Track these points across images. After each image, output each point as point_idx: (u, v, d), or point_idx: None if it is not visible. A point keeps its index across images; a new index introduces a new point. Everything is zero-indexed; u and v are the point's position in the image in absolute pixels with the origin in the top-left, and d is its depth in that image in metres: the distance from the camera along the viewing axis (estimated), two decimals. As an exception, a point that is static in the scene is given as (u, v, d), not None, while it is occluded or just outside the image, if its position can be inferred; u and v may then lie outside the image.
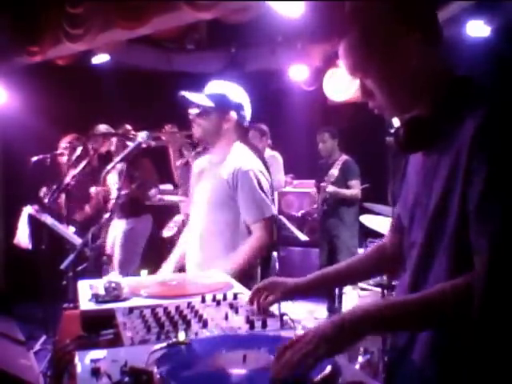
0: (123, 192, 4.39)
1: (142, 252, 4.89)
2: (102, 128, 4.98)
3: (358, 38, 1.22)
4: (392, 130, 1.28)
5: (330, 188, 5.23)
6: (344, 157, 5.40)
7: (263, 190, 2.42)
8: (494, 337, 1.08)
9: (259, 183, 2.41)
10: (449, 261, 1.14)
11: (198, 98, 2.43)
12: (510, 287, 1.03)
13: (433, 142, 1.20)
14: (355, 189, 5.28)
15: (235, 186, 2.39)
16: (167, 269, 2.58)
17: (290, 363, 1.02)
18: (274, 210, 2.50)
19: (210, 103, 2.42)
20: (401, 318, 1.13)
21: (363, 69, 1.25)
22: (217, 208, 2.45)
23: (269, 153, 5.72)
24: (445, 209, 1.15)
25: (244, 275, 2.25)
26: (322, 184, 5.30)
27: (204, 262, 2.43)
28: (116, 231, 4.83)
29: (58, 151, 4.82)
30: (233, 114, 2.46)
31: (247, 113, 2.54)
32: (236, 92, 2.51)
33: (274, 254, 4.64)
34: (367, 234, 4.75)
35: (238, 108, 2.49)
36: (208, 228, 2.48)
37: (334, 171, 5.32)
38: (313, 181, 5.96)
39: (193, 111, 2.46)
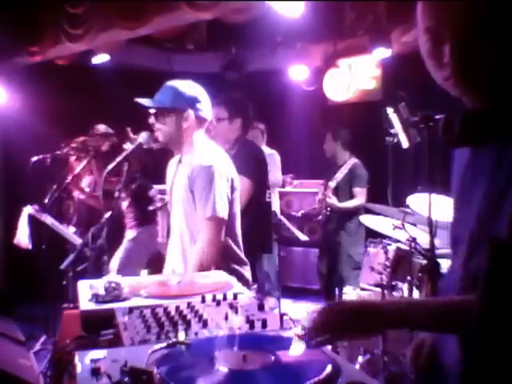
0: (123, 194, 4.38)
1: (144, 263, 4.79)
2: (102, 128, 4.97)
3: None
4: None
5: (331, 200, 5.03)
6: (353, 160, 5.16)
7: (216, 189, 2.36)
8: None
9: (212, 181, 2.36)
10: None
11: (153, 102, 2.42)
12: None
13: (488, 138, 1.13)
14: (359, 197, 5.03)
15: (193, 181, 2.38)
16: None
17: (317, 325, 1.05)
18: (225, 213, 2.40)
19: (164, 104, 2.41)
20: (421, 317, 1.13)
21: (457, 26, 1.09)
22: (189, 207, 2.43)
23: (268, 151, 5.74)
24: (490, 219, 1.11)
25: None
26: (329, 185, 5.09)
27: (185, 266, 2.44)
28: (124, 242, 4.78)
29: (66, 150, 4.79)
30: (190, 111, 2.44)
31: (205, 106, 2.50)
32: (188, 87, 2.47)
33: (275, 254, 4.68)
34: (367, 234, 4.75)
35: (194, 103, 2.45)
36: (185, 228, 2.47)
37: (340, 175, 5.12)
38: (313, 181, 5.97)
39: (152, 117, 2.44)
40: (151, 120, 2.46)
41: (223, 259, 2.40)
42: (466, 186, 1.23)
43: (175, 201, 2.55)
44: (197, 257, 2.36)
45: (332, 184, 5.09)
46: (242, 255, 2.58)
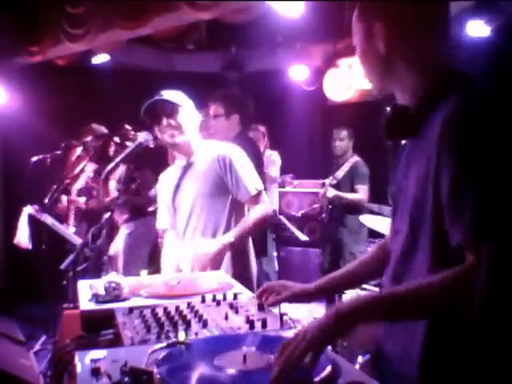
0: (123, 195, 4.38)
1: (147, 255, 4.81)
2: (97, 127, 4.97)
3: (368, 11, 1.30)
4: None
5: (331, 192, 5.06)
6: (355, 158, 5.21)
7: (249, 166, 2.53)
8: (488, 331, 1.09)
9: (243, 160, 2.52)
10: (430, 248, 1.16)
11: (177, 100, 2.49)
12: (503, 278, 1.04)
13: (416, 132, 1.23)
14: (361, 193, 5.05)
15: (223, 171, 2.47)
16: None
17: (290, 363, 1.02)
18: (261, 183, 2.57)
19: (183, 103, 2.48)
20: (391, 309, 1.14)
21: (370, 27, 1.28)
22: (214, 197, 2.49)
23: (268, 152, 5.76)
24: (422, 197, 1.17)
25: (239, 276, 2.26)
26: (326, 183, 5.13)
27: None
28: (119, 237, 4.79)
29: (75, 143, 4.78)
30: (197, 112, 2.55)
31: (194, 110, 2.58)
32: (179, 94, 2.54)
33: (274, 254, 4.68)
34: (370, 234, 4.75)
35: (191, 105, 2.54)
36: (206, 223, 2.50)
37: (341, 172, 5.14)
38: (313, 181, 5.96)
39: (164, 119, 2.45)
40: (165, 122, 2.44)
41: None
42: (400, 180, 1.31)
43: (186, 203, 2.55)
44: (261, 213, 2.49)
45: (327, 181, 5.13)
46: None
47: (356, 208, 5.01)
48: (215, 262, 2.31)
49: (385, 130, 1.29)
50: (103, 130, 4.93)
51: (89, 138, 4.76)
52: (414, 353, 1.18)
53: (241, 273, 2.41)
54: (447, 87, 1.18)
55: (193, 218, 2.54)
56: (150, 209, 4.69)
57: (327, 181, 5.14)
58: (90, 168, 4.69)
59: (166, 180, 2.69)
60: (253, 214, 2.49)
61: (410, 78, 1.25)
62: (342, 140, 5.25)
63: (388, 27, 1.23)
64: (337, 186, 5.13)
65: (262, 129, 5.79)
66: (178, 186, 2.59)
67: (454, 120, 1.10)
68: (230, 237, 2.39)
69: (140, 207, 4.73)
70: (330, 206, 5.12)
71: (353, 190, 5.10)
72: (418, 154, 1.21)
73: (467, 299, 1.04)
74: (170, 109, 2.44)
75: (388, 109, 1.31)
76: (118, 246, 4.70)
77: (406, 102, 1.28)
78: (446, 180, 1.09)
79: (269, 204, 2.59)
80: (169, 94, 2.47)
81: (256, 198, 2.52)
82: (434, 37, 1.25)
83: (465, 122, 1.09)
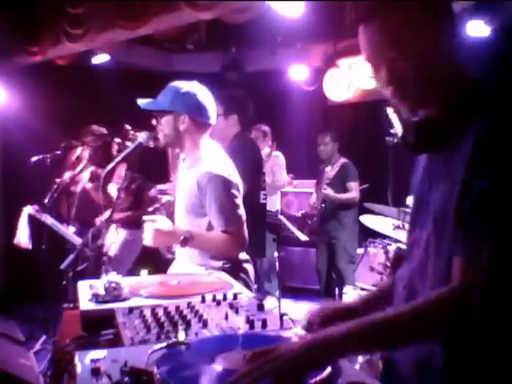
0: (123, 195, 4.38)
1: (131, 263, 4.78)
2: (96, 128, 4.96)
3: (386, 26, 1.20)
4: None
5: (326, 191, 5.18)
6: (342, 160, 5.35)
7: (232, 197, 2.33)
8: (485, 338, 1.09)
9: (227, 190, 2.32)
10: (447, 262, 1.14)
11: (149, 104, 2.39)
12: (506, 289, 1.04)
13: (442, 145, 1.20)
14: (353, 191, 5.21)
15: (204, 192, 2.32)
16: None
17: (249, 378, 0.99)
18: (243, 217, 2.38)
19: (160, 107, 2.37)
20: (368, 342, 1.09)
21: (385, 57, 1.21)
22: (191, 214, 2.39)
23: (275, 153, 5.78)
24: (445, 215, 1.14)
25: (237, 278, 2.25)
26: (323, 185, 5.24)
27: (201, 260, 2.43)
28: (115, 237, 4.77)
29: (75, 143, 4.76)
30: (186, 115, 2.36)
31: (207, 109, 2.42)
32: (190, 90, 2.39)
33: (275, 254, 4.67)
34: (367, 233, 4.76)
35: (193, 106, 2.38)
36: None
37: (332, 172, 5.28)
38: (313, 181, 5.96)
39: (154, 119, 2.44)
40: (154, 121, 2.44)
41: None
42: (422, 191, 1.28)
43: (179, 203, 2.53)
44: (216, 244, 2.33)
45: (326, 180, 5.23)
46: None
47: (350, 205, 5.22)
48: (158, 241, 2.24)
49: (415, 141, 1.22)
50: (103, 131, 4.92)
51: (88, 138, 4.76)
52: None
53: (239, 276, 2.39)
54: (473, 99, 1.17)
55: (180, 222, 2.50)
56: (150, 209, 4.67)
57: (326, 187, 5.23)
58: (90, 168, 4.68)
59: (179, 171, 2.63)
60: (219, 236, 2.32)
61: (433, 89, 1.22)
62: (327, 144, 5.35)
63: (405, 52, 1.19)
64: (330, 187, 5.24)
65: (265, 128, 5.80)
66: (179, 184, 2.58)
67: (491, 137, 1.09)
68: (189, 233, 2.26)
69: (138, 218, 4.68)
70: (324, 205, 5.25)
71: (345, 188, 5.24)
72: (445, 167, 1.18)
73: (454, 320, 1.04)
74: (155, 112, 2.42)
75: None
76: (111, 244, 4.69)
77: (426, 113, 1.23)
78: (471, 194, 1.08)
79: (238, 246, 2.36)
80: (162, 97, 2.41)
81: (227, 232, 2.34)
82: (450, 46, 1.22)
83: (503, 140, 1.08)
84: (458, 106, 1.18)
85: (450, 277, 1.10)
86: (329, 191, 5.17)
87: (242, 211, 2.38)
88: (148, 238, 2.21)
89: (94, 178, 4.71)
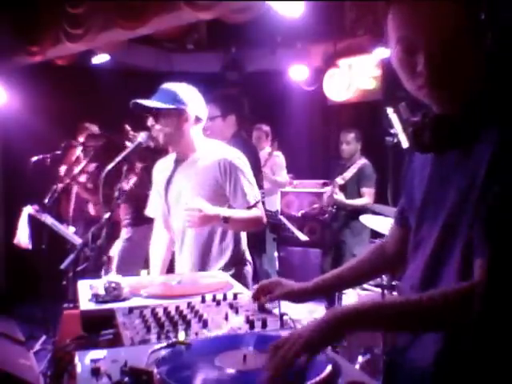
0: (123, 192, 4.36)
1: (142, 261, 4.76)
2: (94, 128, 4.96)
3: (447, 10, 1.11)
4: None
5: (338, 196, 5.03)
6: (363, 160, 5.13)
7: (251, 175, 2.52)
8: (493, 339, 1.08)
9: (246, 169, 2.49)
10: (460, 261, 1.13)
11: (153, 103, 2.39)
12: (510, 293, 1.04)
13: (458, 144, 1.17)
14: (366, 197, 5.00)
15: (227, 176, 2.43)
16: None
17: (284, 364, 1.01)
18: (259, 194, 2.56)
19: (165, 105, 2.39)
20: (389, 318, 1.12)
21: (433, 42, 1.12)
22: (215, 201, 2.42)
23: (275, 153, 5.78)
24: (461, 213, 1.13)
25: (237, 275, 2.27)
26: (336, 181, 5.08)
27: (202, 262, 2.44)
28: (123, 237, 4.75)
29: (75, 143, 4.76)
30: (189, 111, 2.44)
31: (200, 105, 2.51)
32: (184, 89, 2.47)
33: (275, 254, 4.68)
34: (372, 235, 4.74)
35: (191, 103, 2.46)
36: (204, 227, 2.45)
37: (348, 174, 5.08)
38: (313, 181, 5.97)
39: (150, 119, 2.43)
40: (150, 122, 2.44)
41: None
42: (432, 187, 1.25)
43: (183, 206, 2.52)
44: (256, 216, 2.47)
45: (339, 181, 5.07)
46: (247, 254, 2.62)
47: (361, 212, 4.97)
48: (203, 222, 2.30)
49: (433, 140, 1.19)
50: (94, 128, 4.92)
51: (83, 138, 4.76)
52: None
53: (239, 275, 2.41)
54: (491, 98, 1.14)
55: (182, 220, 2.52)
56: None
57: (338, 180, 5.07)
58: (90, 168, 4.68)
59: (160, 171, 2.66)
60: (248, 213, 2.46)
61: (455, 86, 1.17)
62: (349, 143, 5.15)
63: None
64: (343, 188, 5.09)
65: (266, 128, 5.81)
66: (169, 182, 2.56)
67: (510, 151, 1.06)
68: (225, 212, 2.36)
69: (143, 213, 4.69)
70: (335, 207, 5.08)
71: (359, 193, 5.06)
72: (459, 166, 1.16)
73: (468, 316, 1.04)
74: (155, 110, 2.41)
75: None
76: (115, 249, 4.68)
77: (442, 111, 1.20)
78: (492, 195, 1.06)
79: (263, 215, 2.54)
80: (162, 96, 2.42)
81: (252, 208, 2.48)
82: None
83: None
84: (473, 104, 1.15)
85: (463, 272, 1.10)
86: (340, 196, 5.03)
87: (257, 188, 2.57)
88: (194, 220, 2.27)
89: (93, 177, 4.70)
